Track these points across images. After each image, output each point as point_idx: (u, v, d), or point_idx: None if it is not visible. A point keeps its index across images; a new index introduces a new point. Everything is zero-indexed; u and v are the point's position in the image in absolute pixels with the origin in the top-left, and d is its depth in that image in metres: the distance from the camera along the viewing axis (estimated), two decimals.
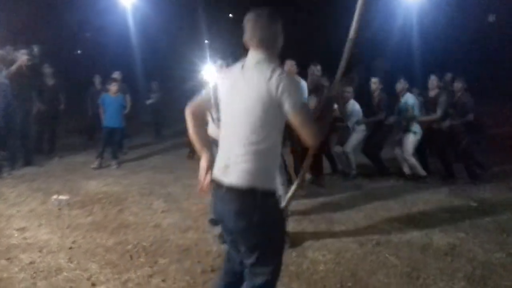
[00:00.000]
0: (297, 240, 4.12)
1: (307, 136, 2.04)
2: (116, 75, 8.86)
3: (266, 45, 2.09)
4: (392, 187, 6.18)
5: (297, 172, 6.57)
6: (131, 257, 3.72)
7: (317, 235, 4.24)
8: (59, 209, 5.02)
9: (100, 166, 7.31)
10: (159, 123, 11.31)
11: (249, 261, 2.13)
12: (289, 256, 3.76)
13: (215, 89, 2.24)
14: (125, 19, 13.53)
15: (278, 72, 2.01)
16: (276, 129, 2.07)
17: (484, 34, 17.31)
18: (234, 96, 2.10)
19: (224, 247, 2.50)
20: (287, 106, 1.99)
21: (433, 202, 5.48)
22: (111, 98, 7.52)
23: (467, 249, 4.03)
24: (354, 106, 6.79)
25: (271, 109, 2.00)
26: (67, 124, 10.56)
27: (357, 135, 6.73)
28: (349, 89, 6.82)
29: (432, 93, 6.58)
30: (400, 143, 6.59)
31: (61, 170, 7.12)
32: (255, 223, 2.03)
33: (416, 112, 6.43)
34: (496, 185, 6.37)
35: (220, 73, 2.28)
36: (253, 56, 2.10)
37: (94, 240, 4.08)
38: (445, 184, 6.30)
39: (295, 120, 2.01)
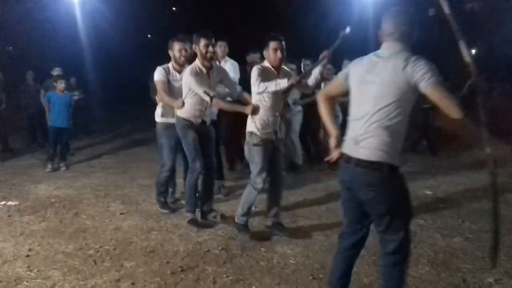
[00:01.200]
0: (265, 235, 4.10)
1: (449, 108, 2.24)
2: (57, 71, 8.40)
3: (404, 38, 2.36)
4: None
5: (229, 160, 6.66)
6: (94, 262, 3.54)
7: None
8: (9, 216, 4.71)
9: (53, 169, 6.95)
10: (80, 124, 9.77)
11: (379, 228, 2.49)
12: (258, 252, 3.74)
13: (346, 75, 2.53)
14: (73, 13, 12.95)
15: (412, 59, 2.27)
16: (405, 111, 2.32)
17: (425, 27, 18.16)
18: (369, 82, 2.37)
19: (344, 221, 2.74)
20: (424, 85, 2.23)
21: None
22: (58, 96, 7.15)
23: (428, 236, 4.18)
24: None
25: (405, 94, 2.27)
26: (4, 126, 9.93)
27: (296, 118, 6.57)
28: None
29: None
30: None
31: (5, 174, 6.69)
32: (383, 194, 2.37)
33: None
34: (446, 173, 6.68)
35: (353, 63, 2.52)
36: (389, 47, 2.38)
37: (52, 247, 3.85)
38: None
39: (434, 95, 2.23)
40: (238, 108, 4.08)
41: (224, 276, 3.29)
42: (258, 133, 3.87)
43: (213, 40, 4.18)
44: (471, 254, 3.72)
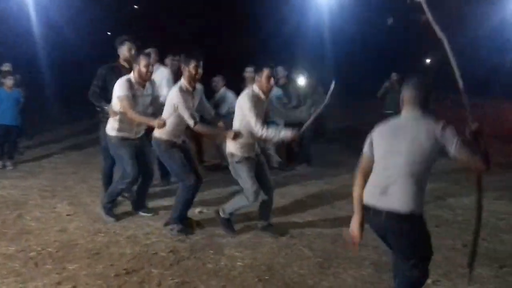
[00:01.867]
0: (214, 238, 4.10)
1: (477, 164, 2.52)
2: (7, 67, 8.07)
3: (424, 104, 2.61)
4: (298, 181, 6.39)
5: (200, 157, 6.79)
6: (36, 264, 3.43)
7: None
8: None
9: (2, 166, 6.72)
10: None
11: (406, 267, 2.66)
12: (207, 254, 3.74)
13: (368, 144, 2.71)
14: (26, 9, 12.50)
15: (440, 124, 2.52)
16: (430, 166, 2.56)
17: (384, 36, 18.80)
18: (399, 141, 2.56)
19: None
20: (453, 150, 2.46)
21: (341, 194, 5.78)
22: (6, 93, 6.88)
23: (372, 238, 4.25)
24: (225, 93, 6.74)
25: (433, 151, 2.50)
26: None
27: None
28: (217, 78, 6.79)
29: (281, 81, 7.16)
30: None
31: None
32: (412, 240, 2.62)
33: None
34: None
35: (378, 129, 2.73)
36: (411, 112, 2.63)
37: None
38: (348, 179, 6.68)
39: (462, 158, 2.48)
40: (220, 134, 4.24)
41: (170, 278, 3.28)
42: (239, 153, 4.04)
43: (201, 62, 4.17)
44: None
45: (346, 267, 3.61)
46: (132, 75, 4.31)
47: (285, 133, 3.92)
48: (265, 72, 3.98)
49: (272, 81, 4.03)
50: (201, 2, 17.35)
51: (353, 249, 3.00)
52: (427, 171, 2.56)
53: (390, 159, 2.58)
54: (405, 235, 2.58)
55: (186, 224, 4.32)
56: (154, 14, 17.13)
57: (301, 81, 7.40)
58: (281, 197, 5.50)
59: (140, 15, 17.98)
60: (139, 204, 4.76)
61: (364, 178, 2.71)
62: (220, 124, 4.32)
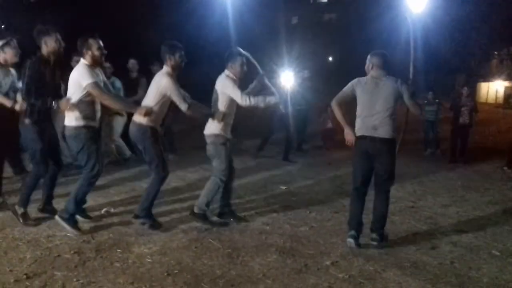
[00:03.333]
0: (122, 237, 4.04)
1: (415, 108, 4.19)
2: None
3: (386, 67, 4.07)
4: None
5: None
6: None
7: (142, 231, 4.22)
8: None
9: None
10: None
11: (384, 177, 4.05)
12: (114, 253, 3.68)
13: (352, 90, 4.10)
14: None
15: (399, 80, 4.02)
16: (396, 105, 3.99)
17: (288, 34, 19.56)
18: (376, 93, 3.97)
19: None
20: (406, 97, 3.99)
21: (249, 187, 5.98)
22: None
23: (278, 226, 4.54)
24: (114, 82, 6.65)
25: (398, 97, 3.98)
26: None
27: (120, 118, 6.78)
28: (107, 64, 6.58)
29: (133, 75, 7.38)
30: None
31: None
32: (391, 155, 4.04)
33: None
34: (300, 170, 7.28)
35: (360, 82, 4.08)
36: (380, 73, 4.03)
37: None
38: (259, 171, 6.94)
39: (411, 105, 4.07)
40: (206, 114, 4.42)
41: (74, 280, 3.18)
42: (224, 134, 4.40)
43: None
44: (314, 241, 4.15)
45: (254, 255, 3.77)
46: (84, 61, 4.10)
47: (270, 99, 4.38)
48: (240, 60, 4.42)
49: (245, 67, 4.48)
50: None
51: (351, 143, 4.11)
52: (395, 109, 3.97)
53: (373, 108, 3.95)
54: (389, 152, 3.99)
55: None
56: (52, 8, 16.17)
57: None
58: (187, 192, 5.55)
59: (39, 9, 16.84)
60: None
61: (341, 107, 4.14)
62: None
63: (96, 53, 4.09)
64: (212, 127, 4.41)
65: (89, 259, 3.55)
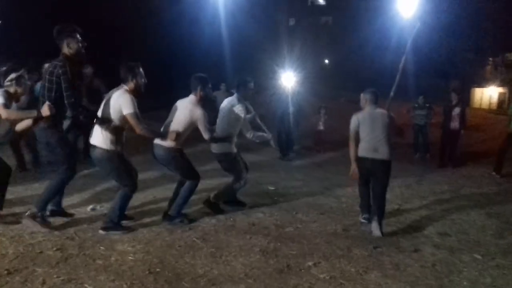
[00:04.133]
0: (106, 235, 4.04)
1: (397, 132, 5.07)
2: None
3: (376, 102, 4.83)
4: None
5: None
6: None
7: (126, 228, 4.23)
8: None
9: None
10: None
11: (382, 183, 4.65)
12: (97, 251, 3.68)
13: (355, 123, 4.76)
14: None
15: (386, 112, 4.80)
16: (389, 131, 4.70)
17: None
18: (376, 124, 4.67)
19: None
20: (390, 125, 4.73)
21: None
22: None
23: (264, 227, 4.55)
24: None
25: (389, 126, 4.68)
26: None
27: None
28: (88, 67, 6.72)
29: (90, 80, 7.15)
30: None
31: None
32: (388, 171, 4.68)
33: None
34: (287, 172, 7.31)
35: (360, 118, 4.77)
36: (373, 106, 4.77)
37: None
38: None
39: (392, 128, 4.81)
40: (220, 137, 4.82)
41: (55, 276, 3.18)
42: (234, 150, 4.92)
43: None
44: (298, 242, 4.16)
45: (237, 255, 3.79)
46: (126, 88, 4.11)
47: (266, 136, 5.11)
48: (250, 88, 5.06)
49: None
50: None
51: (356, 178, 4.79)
52: (389, 134, 4.66)
53: (373, 133, 4.63)
54: (386, 170, 4.63)
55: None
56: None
57: None
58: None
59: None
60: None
61: (355, 144, 4.72)
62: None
63: (140, 82, 4.19)
64: (224, 146, 4.83)
65: (71, 256, 3.55)
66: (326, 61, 37.30)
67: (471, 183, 7.43)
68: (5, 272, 3.21)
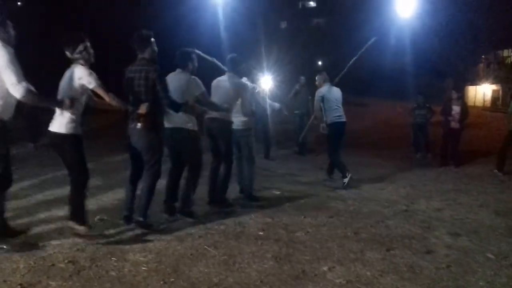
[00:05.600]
0: (117, 245, 3.99)
1: None
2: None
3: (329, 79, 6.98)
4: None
5: None
6: None
7: (136, 238, 4.18)
8: None
9: None
10: None
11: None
12: (109, 262, 3.62)
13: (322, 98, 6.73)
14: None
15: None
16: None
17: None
18: (337, 95, 6.76)
19: None
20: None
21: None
22: None
23: (273, 232, 4.52)
24: None
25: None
26: None
27: None
28: None
29: None
30: None
31: None
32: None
33: None
34: (293, 174, 7.28)
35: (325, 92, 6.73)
36: (329, 83, 6.87)
37: None
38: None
39: None
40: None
41: None
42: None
43: None
44: (310, 246, 4.13)
45: (250, 261, 3.75)
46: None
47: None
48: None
49: None
50: None
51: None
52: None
53: (338, 102, 6.52)
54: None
55: None
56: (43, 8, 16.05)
57: None
58: None
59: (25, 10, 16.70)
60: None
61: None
62: None
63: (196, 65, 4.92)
64: (241, 120, 5.38)
65: (83, 268, 3.49)
66: (320, 62, 37.45)
67: (475, 181, 7.45)
68: (19, 287, 3.15)
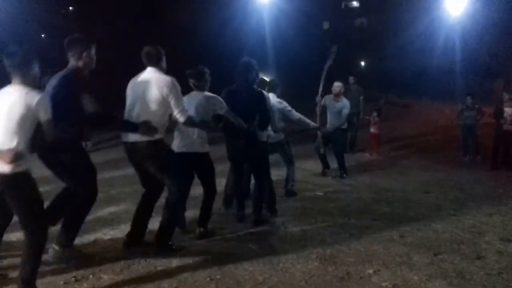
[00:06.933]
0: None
1: None
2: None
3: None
4: None
5: None
6: None
7: (182, 236, 4.29)
8: None
9: None
10: None
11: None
12: (157, 258, 3.73)
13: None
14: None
15: None
16: None
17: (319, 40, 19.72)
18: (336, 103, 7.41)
19: None
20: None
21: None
22: None
23: (317, 233, 4.51)
24: None
25: None
26: None
27: None
28: None
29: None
30: None
31: None
32: None
33: None
34: (336, 176, 7.23)
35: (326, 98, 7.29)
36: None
37: None
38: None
39: None
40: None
41: (121, 283, 3.27)
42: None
43: None
44: (354, 248, 4.10)
45: (294, 262, 3.76)
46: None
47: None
48: None
49: None
50: None
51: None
52: None
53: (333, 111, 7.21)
54: None
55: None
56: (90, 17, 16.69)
57: None
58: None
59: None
60: None
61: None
62: None
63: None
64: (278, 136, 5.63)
65: (133, 263, 3.63)
66: (362, 63, 36.82)
67: None
68: (73, 279, 3.31)
